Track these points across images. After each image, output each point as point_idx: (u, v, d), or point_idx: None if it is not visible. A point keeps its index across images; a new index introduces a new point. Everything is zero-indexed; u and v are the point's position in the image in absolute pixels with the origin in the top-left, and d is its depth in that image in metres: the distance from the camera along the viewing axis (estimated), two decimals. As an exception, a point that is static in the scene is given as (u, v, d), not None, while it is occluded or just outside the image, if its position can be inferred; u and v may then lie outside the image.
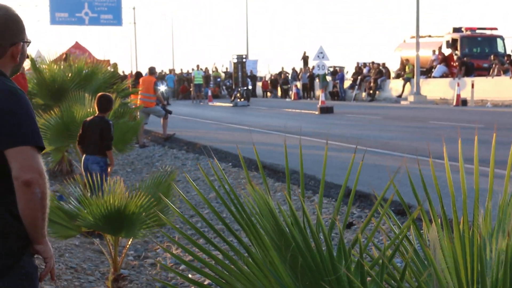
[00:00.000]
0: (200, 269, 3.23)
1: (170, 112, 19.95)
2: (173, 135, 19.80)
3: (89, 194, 6.00)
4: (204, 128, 23.76)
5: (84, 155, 9.01)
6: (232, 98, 40.75)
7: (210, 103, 43.43)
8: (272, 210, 2.74)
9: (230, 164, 13.96)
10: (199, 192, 3.24)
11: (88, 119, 9.21)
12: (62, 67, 13.89)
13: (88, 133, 8.90)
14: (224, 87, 53.77)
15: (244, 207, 3.10)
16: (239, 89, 40.29)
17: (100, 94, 9.30)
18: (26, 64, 13.55)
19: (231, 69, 47.47)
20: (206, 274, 3.18)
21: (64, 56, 16.68)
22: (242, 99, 39.63)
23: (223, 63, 58.01)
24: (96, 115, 9.08)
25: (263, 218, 2.92)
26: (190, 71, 53.84)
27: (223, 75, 54.78)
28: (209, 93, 46.36)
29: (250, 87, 46.16)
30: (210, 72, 53.52)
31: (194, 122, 26.69)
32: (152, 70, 21.28)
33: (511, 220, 2.49)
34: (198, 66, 51.24)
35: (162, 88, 41.31)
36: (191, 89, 48.89)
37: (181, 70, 58.38)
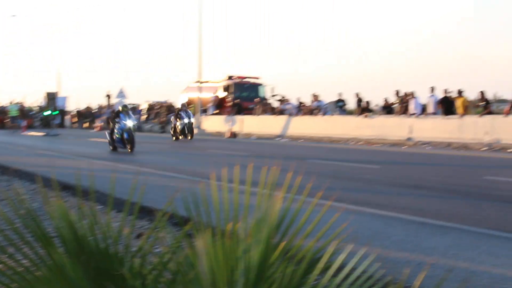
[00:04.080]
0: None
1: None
2: (-12, 160, 18.41)
3: None
4: (18, 154, 22.34)
5: None
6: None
7: (24, 133, 41.13)
8: (70, 220, 2.57)
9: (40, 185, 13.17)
10: None
11: None
12: None
13: None
14: (36, 119, 51.47)
15: (41, 221, 2.88)
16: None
17: None
18: None
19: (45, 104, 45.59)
20: None
21: None
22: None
23: (37, 98, 55.42)
24: None
25: (64, 228, 2.73)
26: (5, 104, 50.89)
27: (37, 108, 52.51)
28: (24, 124, 44.15)
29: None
30: (25, 106, 51.06)
31: (9, 149, 25.01)
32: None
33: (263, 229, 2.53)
34: (11, 101, 48.74)
35: None
36: (6, 120, 46.26)
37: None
